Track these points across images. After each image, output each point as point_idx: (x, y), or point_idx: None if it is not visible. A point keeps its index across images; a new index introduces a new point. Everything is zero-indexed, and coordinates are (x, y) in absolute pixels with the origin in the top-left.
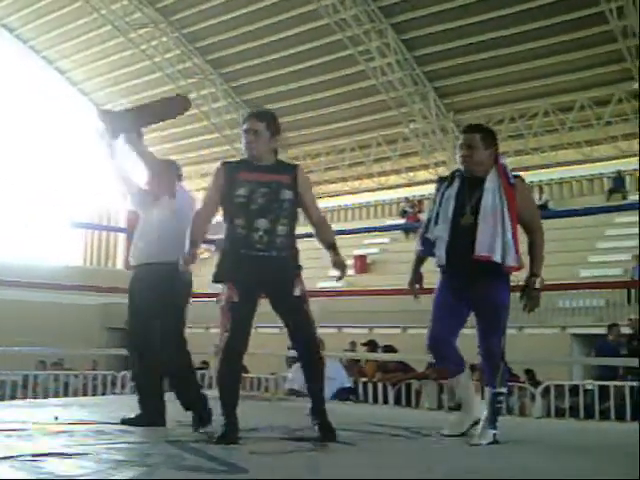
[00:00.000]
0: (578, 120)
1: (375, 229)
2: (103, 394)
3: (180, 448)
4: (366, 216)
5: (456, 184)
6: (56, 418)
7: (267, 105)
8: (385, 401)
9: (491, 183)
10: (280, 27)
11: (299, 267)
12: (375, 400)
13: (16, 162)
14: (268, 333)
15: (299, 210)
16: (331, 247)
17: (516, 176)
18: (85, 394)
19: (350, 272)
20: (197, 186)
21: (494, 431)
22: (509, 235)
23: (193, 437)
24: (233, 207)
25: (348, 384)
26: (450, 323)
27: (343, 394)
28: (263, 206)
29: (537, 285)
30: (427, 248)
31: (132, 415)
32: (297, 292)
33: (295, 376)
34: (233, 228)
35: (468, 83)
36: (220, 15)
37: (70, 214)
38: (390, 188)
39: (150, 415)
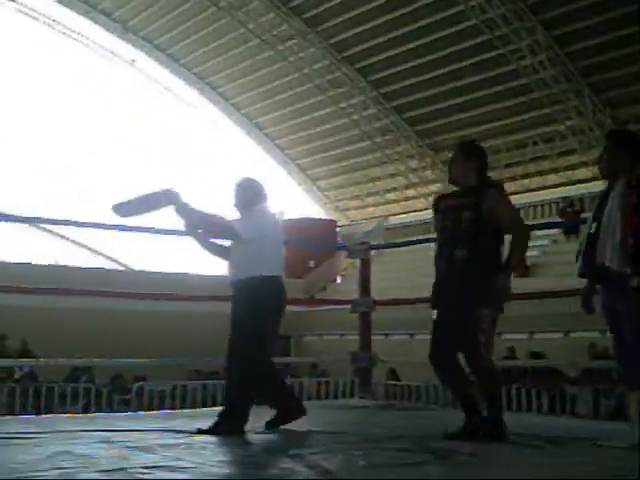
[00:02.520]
0: None
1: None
2: None
3: (296, 460)
4: (525, 217)
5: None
6: (179, 432)
7: (418, 109)
8: (539, 409)
9: (617, 189)
10: (427, 30)
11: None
12: (529, 408)
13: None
14: (423, 340)
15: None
16: (506, 263)
17: None
18: None
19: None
20: (350, 194)
21: None
22: (618, 238)
23: (316, 447)
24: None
25: None
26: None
27: None
28: (447, 232)
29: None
30: None
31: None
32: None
33: None
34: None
35: (623, 77)
36: (366, 22)
37: None
38: (549, 188)
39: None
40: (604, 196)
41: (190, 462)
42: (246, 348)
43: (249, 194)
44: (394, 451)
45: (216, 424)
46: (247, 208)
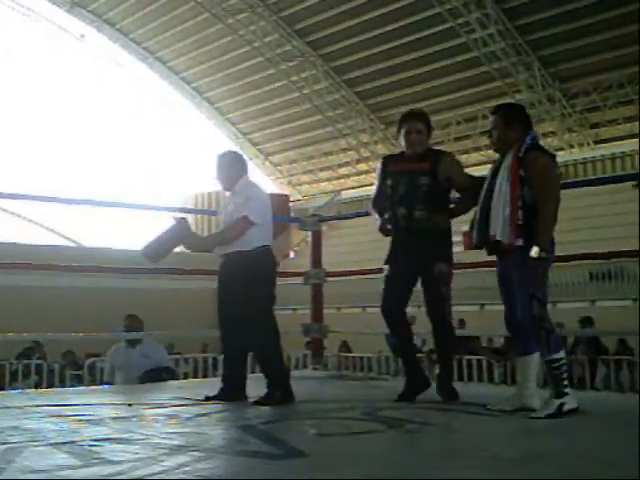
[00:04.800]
0: None
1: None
2: (207, 376)
3: (246, 431)
4: None
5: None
6: (130, 405)
7: (368, 83)
8: (490, 380)
9: (506, 162)
10: (378, 4)
11: (441, 250)
12: (480, 379)
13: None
14: (374, 313)
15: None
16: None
17: (534, 148)
18: (195, 377)
19: (458, 249)
20: (303, 169)
21: (560, 400)
22: (507, 211)
23: (268, 418)
24: (386, 196)
25: (165, 364)
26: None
27: (157, 372)
28: (403, 194)
29: (532, 254)
30: None
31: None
32: (434, 272)
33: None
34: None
35: (572, 51)
36: None
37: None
38: None
39: (232, 390)
40: (496, 168)
41: (140, 434)
42: (262, 318)
43: (234, 168)
44: (346, 420)
45: (267, 395)
46: (233, 182)
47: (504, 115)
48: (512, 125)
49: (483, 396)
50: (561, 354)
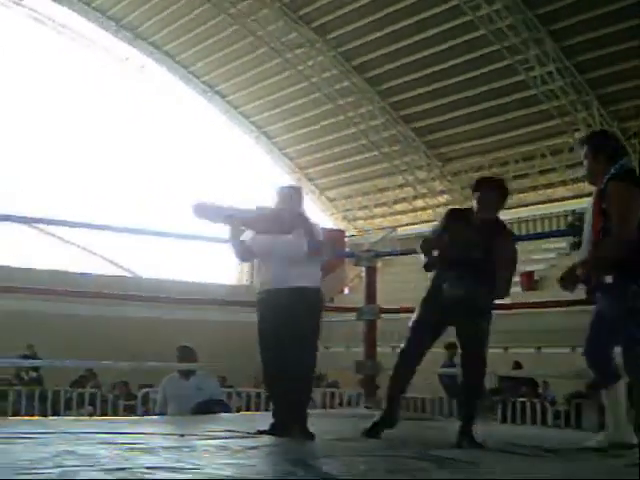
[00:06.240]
0: None
1: (538, 236)
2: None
3: (295, 465)
4: (533, 230)
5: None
6: (182, 435)
7: (426, 120)
8: (543, 422)
9: (592, 198)
10: (436, 40)
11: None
12: (534, 421)
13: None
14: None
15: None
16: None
17: (615, 178)
18: (248, 410)
19: (517, 289)
20: (358, 205)
21: None
22: (590, 247)
23: (318, 453)
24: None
25: (218, 397)
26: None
27: (210, 405)
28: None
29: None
30: None
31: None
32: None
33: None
34: None
35: (631, 89)
36: (375, 31)
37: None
38: (557, 201)
39: (283, 425)
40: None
41: (191, 464)
42: (311, 355)
43: (292, 201)
44: (395, 458)
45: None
46: (297, 217)
47: (592, 146)
48: (597, 157)
49: (535, 438)
50: None
